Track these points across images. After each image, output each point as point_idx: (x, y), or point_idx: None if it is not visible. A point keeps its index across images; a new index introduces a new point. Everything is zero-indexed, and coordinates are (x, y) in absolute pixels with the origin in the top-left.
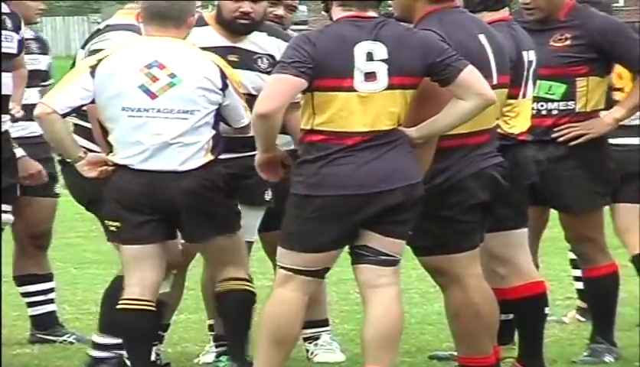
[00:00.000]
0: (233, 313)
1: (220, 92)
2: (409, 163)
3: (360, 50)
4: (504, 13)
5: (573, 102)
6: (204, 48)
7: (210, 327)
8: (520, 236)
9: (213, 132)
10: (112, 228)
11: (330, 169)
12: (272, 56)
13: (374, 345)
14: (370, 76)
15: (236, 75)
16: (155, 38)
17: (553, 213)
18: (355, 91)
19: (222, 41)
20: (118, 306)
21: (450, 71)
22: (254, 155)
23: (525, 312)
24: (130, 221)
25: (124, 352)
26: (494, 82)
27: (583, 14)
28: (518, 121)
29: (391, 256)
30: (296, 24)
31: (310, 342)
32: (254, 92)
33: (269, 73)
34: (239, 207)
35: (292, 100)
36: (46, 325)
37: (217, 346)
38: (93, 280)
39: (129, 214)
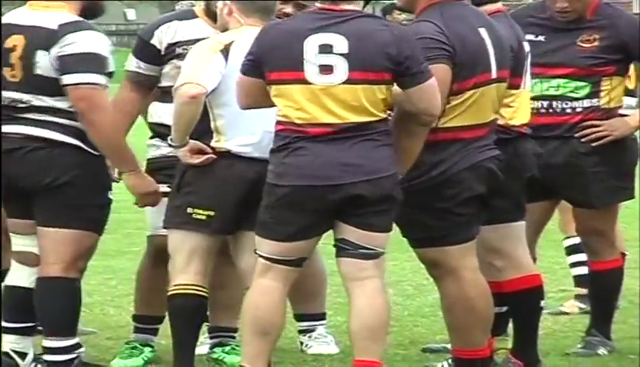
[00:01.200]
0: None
1: None
2: (378, 156)
3: (313, 42)
4: (497, 5)
5: (597, 100)
6: (196, 40)
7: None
8: (518, 229)
9: None
10: (200, 217)
11: (292, 159)
12: None
13: (361, 337)
14: (325, 68)
15: None
16: (259, 28)
17: None
18: (309, 83)
19: (213, 33)
20: (176, 291)
21: (408, 80)
22: None
23: (521, 305)
24: (225, 212)
25: (81, 350)
26: (494, 76)
27: (611, 14)
28: (519, 113)
29: (371, 249)
30: None
31: (304, 335)
32: None
33: None
34: None
35: (261, 96)
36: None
37: (210, 338)
38: (86, 272)
39: (228, 204)
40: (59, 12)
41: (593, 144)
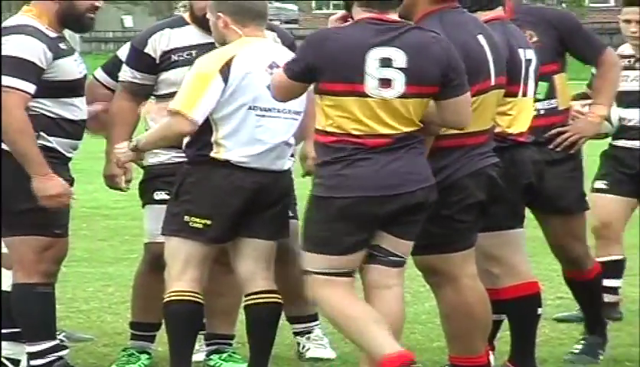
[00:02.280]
0: (268, 326)
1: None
2: (423, 165)
3: (375, 55)
4: (498, 12)
5: (555, 100)
6: (190, 46)
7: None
8: (516, 236)
9: None
10: (197, 225)
11: (352, 170)
12: None
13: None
14: (384, 82)
15: None
16: (260, 39)
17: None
18: (368, 96)
19: (205, 39)
20: (172, 298)
21: (451, 91)
22: None
23: (518, 312)
24: (223, 220)
25: (63, 353)
26: (492, 83)
27: (531, 9)
28: (518, 121)
29: (400, 257)
30: (287, 22)
31: (302, 336)
32: None
33: None
34: None
35: (299, 94)
36: None
37: (207, 345)
38: (82, 278)
39: (226, 213)
40: (20, 16)
41: (571, 151)
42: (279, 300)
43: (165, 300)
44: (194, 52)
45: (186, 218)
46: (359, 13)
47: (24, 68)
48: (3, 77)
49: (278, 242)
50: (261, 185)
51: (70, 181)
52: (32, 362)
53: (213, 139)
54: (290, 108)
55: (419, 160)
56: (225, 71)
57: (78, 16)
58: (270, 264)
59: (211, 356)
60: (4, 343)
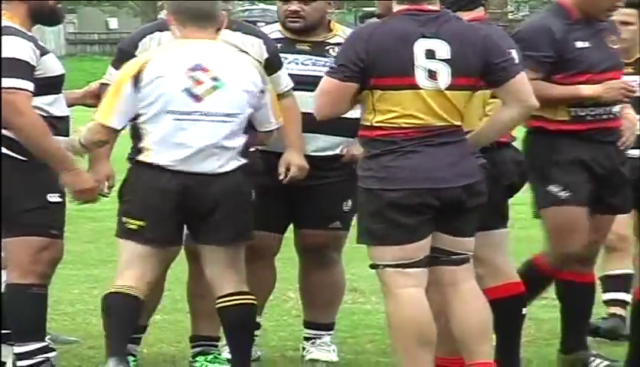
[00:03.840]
0: (242, 328)
1: (261, 95)
2: (472, 160)
3: (420, 47)
4: (478, 12)
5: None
6: None
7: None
8: (499, 236)
9: (246, 136)
10: (132, 226)
11: (402, 162)
12: (246, 53)
13: (468, 341)
14: (431, 73)
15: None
16: (196, 40)
17: (529, 214)
18: (419, 88)
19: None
20: (110, 291)
21: (500, 76)
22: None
23: (503, 312)
24: (156, 222)
25: (50, 355)
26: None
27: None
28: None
29: (462, 254)
30: (272, 23)
31: (308, 341)
32: None
33: None
34: None
35: (347, 102)
36: None
37: (192, 347)
38: (67, 280)
39: (158, 215)
40: None
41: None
42: (247, 301)
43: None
44: None
45: (124, 219)
46: (395, 6)
47: (21, 68)
48: (9, 80)
49: (314, 246)
50: (187, 187)
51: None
52: (20, 363)
53: (141, 145)
54: (217, 111)
55: (466, 154)
56: (137, 76)
57: (50, 10)
58: (236, 267)
59: (197, 358)
60: None
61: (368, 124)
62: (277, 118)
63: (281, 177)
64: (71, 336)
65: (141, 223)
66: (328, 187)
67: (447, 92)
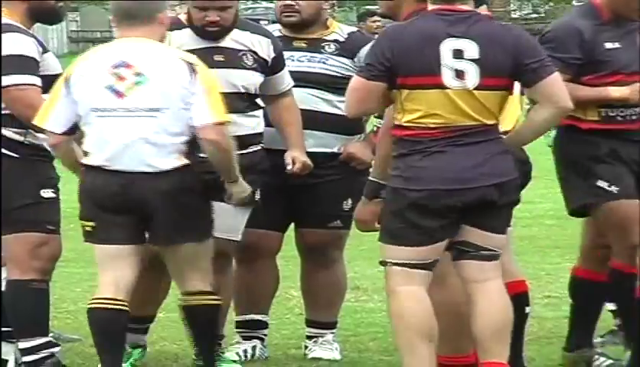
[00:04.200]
0: (201, 327)
1: (190, 90)
2: (504, 159)
3: (448, 47)
4: (482, 10)
5: None
6: (189, 50)
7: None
8: None
9: (190, 136)
10: (88, 229)
11: (428, 162)
12: (254, 53)
13: (486, 339)
14: (459, 73)
15: (210, 75)
16: (124, 39)
17: (532, 212)
18: (446, 88)
19: (205, 42)
20: (90, 305)
21: (532, 76)
22: (244, 154)
23: None
24: (106, 221)
25: (55, 349)
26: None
27: None
28: (504, 119)
29: (492, 250)
30: (274, 22)
31: (311, 340)
32: (243, 90)
33: (254, 69)
34: (226, 206)
35: (376, 101)
36: None
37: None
38: (70, 278)
39: (105, 214)
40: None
41: None
42: (203, 301)
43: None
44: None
45: (82, 222)
46: (430, 5)
47: (28, 64)
48: (12, 76)
49: (316, 245)
50: (124, 187)
51: (56, 180)
52: (25, 358)
53: (83, 147)
54: (139, 106)
55: (498, 153)
56: (68, 78)
57: (50, 9)
58: (193, 266)
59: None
60: None
61: (398, 123)
62: (215, 115)
63: (289, 167)
64: (74, 334)
65: (92, 224)
66: (328, 186)
67: (475, 92)
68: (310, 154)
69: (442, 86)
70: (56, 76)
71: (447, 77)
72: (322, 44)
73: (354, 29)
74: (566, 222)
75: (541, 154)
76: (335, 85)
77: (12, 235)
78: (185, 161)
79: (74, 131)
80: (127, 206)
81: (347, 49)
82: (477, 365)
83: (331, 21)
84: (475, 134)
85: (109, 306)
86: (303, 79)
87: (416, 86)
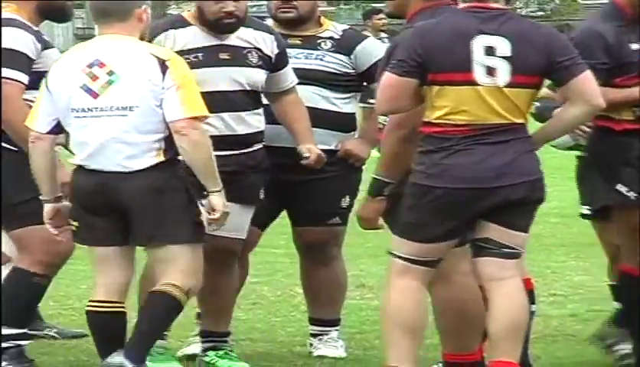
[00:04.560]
0: (153, 312)
1: (161, 86)
2: (532, 158)
3: (479, 43)
4: None
5: None
6: (197, 49)
7: (198, 315)
8: None
9: (166, 133)
10: (74, 228)
11: (451, 160)
12: (259, 50)
13: (500, 337)
14: (490, 70)
15: (184, 69)
16: (101, 37)
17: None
18: (477, 84)
19: (210, 40)
20: (87, 308)
21: (564, 74)
22: (250, 152)
23: None
24: (87, 221)
25: (23, 342)
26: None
27: None
28: None
29: (514, 249)
30: None
31: (315, 338)
32: (248, 88)
33: (260, 66)
34: (232, 205)
35: (407, 99)
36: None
37: (203, 342)
38: (75, 275)
39: (86, 215)
40: (4, 12)
41: None
42: (169, 290)
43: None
44: (200, 55)
45: (71, 221)
46: (460, 3)
47: (17, 59)
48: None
49: (315, 243)
50: (102, 186)
51: None
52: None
53: (70, 147)
54: (113, 105)
55: (524, 153)
56: (47, 78)
57: (60, 8)
58: (174, 268)
59: (207, 352)
60: None
61: (427, 120)
62: (187, 110)
63: (306, 156)
64: (78, 330)
65: (76, 224)
66: (326, 183)
67: (506, 89)
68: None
69: (473, 83)
70: None
71: (478, 74)
72: (318, 41)
73: (347, 27)
74: (571, 221)
75: (547, 153)
76: (333, 81)
77: (25, 229)
78: (162, 159)
79: (59, 131)
80: (105, 207)
81: (343, 46)
82: (482, 363)
83: (323, 19)
84: (503, 133)
85: (100, 309)
86: (301, 76)
87: (446, 82)
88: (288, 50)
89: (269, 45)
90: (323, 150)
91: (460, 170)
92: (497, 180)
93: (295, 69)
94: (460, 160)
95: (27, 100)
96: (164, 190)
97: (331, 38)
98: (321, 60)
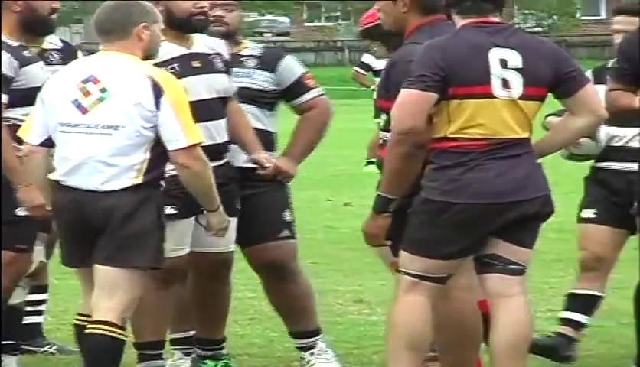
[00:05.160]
0: (96, 357)
1: (152, 109)
2: (540, 172)
3: (494, 56)
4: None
5: None
6: (167, 61)
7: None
8: None
9: (148, 156)
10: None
11: (472, 175)
12: (220, 55)
13: (505, 354)
14: (506, 82)
15: (179, 92)
16: (100, 53)
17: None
18: (494, 97)
19: (180, 50)
20: (75, 321)
21: (571, 85)
22: (226, 162)
23: None
24: (67, 240)
25: None
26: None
27: None
28: None
29: (520, 265)
30: (279, 35)
31: (305, 351)
32: (223, 95)
33: (225, 72)
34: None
35: (424, 115)
36: (29, 335)
37: (200, 348)
38: (74, 290)
39: (64, 233)
40: None
41: None
42: (106, 333)
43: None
44: (176, 65)
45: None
46: (459, 21)
47: None
48: None
49: (274, 261)
50: (78, 203)
51: None
52: None
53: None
54: (100, 123)
55: (536, 167)
56: (43, 90)
57: (43, 20)
58: (111, 294)
59: (205, 361)
60: None
61: (441, 135)
62: (188, 138)
63: (267, 164)
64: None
65: (60, 241)
66: (266, 196)
67: (519, 101)
68: (243, 169)
69: (491, 96)
70: (38, 89)
71: (496, 86)
72: (241, 59)
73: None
74: (569, 236)
75: (545, 168)
76: (260, 99)
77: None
78: (139, 181)
79: (51, 144)
80: (79, 225)
81: (266, 62)
82: None
83: (240, 38)
84: (514, 147)
85: (82, 324)
86: None
87: (466, 95)
88: None
89: (225, 50)
90: (254, 168)
91: (481, 185)
92: (516, 194)
93: None
94: (480, 174)
95: (10, 118)
96: (134, 214)
97: (253, 56)
98: (250, 77)
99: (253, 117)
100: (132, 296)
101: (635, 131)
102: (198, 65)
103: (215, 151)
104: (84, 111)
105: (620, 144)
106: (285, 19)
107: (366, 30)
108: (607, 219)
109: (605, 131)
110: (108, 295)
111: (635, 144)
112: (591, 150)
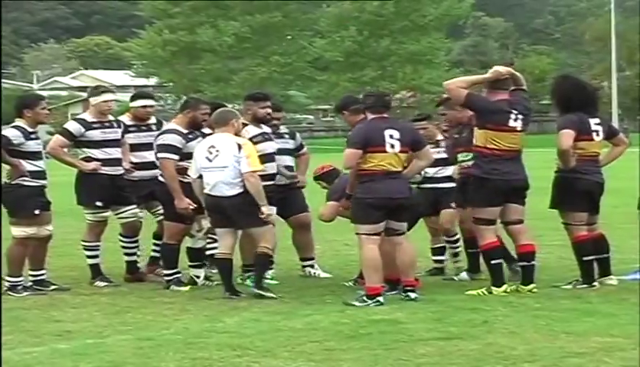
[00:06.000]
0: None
1: (238, 156)
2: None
3: (387, 132)
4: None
5: None
6: (253, 136)
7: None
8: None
9: (242, 178)
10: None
11: (499, 165)
12: (270, 132)
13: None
14: (392, 146)
15: (250, 147)
16: (215, 134)
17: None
18: (386, 152)
19: (257, 130)
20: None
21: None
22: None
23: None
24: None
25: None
26: (392, 149)
27: None
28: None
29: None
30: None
31: (310, 268)
32: (271, 151)
33: (272, 140)
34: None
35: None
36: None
37: (244, 271)
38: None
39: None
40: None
41: None
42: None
43: None
44: (255, 138)
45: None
46: (370, 115)
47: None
48: None
49: (304, 223)
50: (216, 201)
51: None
52: None
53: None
54: (217, 165)
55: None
56: (195, 152)
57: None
58: (258, 239)
59: (247, 281)
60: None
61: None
62: (249, 167)
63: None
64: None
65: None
66: (297, 193)
67: (399, 153)
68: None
69: (385, 152)
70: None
71: (388, 147)
72: (280, 132)
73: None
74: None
75: (537, 195)
76: (289, 153)
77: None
78: (241, 191)
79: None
80: (215, 211)
81: (290, 134)
82: (400, 281)
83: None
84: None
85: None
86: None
87: (371, 151)
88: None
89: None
90: (294, 181)
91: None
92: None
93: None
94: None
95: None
96: (245, 204)
97: (286, 132)
98: (285, 141)
99: (288, 159)
100: (264, 237)
101: None
102: (267, 137)
103: (267, 178)
104: (211, 160)
105: None
106: None
107: (319, 177)
108: None
109: None
110: (256, 241)
111: None
112: None
